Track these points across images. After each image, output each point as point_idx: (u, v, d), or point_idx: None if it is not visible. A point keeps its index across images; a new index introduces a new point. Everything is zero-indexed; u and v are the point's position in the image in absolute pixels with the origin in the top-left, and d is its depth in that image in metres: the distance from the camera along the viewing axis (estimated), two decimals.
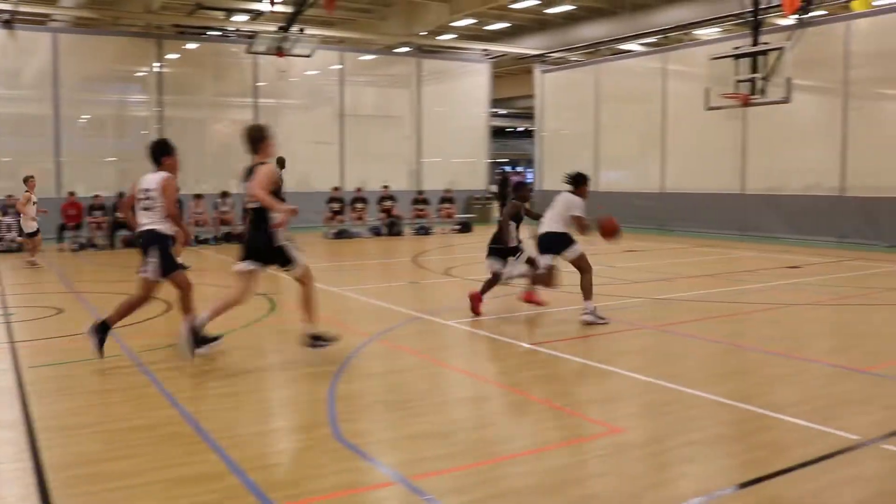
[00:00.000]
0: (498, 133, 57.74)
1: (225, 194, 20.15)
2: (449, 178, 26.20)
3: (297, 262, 7.18)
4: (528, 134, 54.52)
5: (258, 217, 7.07)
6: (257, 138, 7.22)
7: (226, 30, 23.29)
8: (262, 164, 7.12)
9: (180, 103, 22.89)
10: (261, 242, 7.10)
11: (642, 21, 27.51)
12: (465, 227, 23.28)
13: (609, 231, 9.21)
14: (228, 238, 19.73)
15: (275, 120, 24.43)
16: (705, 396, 6.03)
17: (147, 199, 7.29)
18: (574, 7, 29.24)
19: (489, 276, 9.64)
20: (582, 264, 9.21)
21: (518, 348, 7.86)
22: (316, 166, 24.64)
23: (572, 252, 9.22)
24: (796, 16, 17.86)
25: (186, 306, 7.42)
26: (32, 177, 15.17)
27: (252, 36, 21.05)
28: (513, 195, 9.81)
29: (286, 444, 5.14)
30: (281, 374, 7.04)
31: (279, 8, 19.68)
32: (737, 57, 17.52)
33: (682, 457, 4.84)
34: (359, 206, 21.89)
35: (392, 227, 22.11)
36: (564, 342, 8.05)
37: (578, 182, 9.25)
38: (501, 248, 9.63)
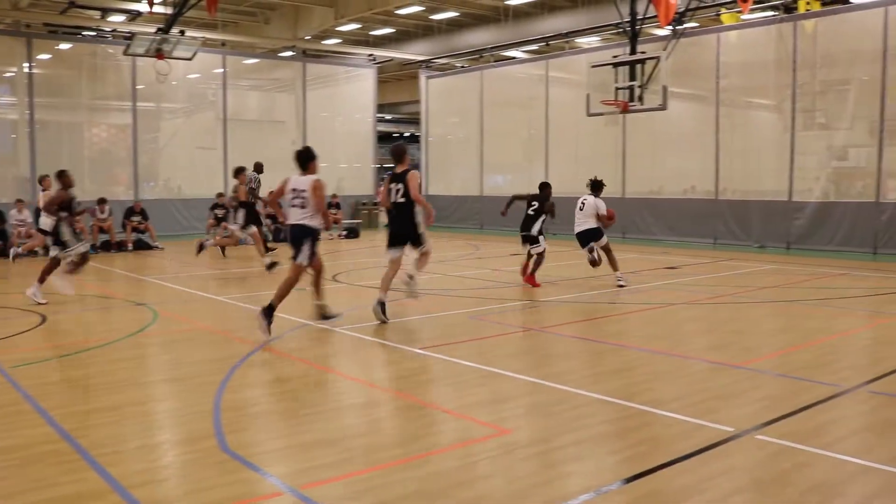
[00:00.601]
0: (384, 138, 57.68)
1: (102, 201, 19.34)
2: (335, 184, 26.04)
3: (426, 245, 9.61)
4: (414, 139, 54.72)
5: (406, 210, 9.40)
6: (402, 152, 9.68)
7: (102, 30, 22.45)
8: (409, 170, 9.46)
9: (54, 106, 21.92)
10: (407, 229, 9.45)
11: (525, 28, 28.05)
12: (353, 233, 23.17)
13: (612, 218, 12.69)
14: (107, 247, 18.96)
15: (155, 124, 23.78)
16: (590, 395, 6.18)
17: (298, 198, 8.78)
18: (458, 14, 29.54)
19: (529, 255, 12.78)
20: (608, 247, 12.52)
21: (406, 353, 7.87)
22: (199, 172, 24.05)
23: (603, 240, 12.52)
24: (671, 26, 18.57)
25: (318, 286, 9.32)
26: (48, 176, 15.35)
27: (130, 37, 20.37)
28: (543, 193, 12.79)
29: (171, 458, 4.98)
30: (164, 385, 6.83)
31: (158, 9, 19.10)
32: (616, 65, 18.06)
33: (568, 455, 4.94)
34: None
35: (278, 234, 21.80)
36: (451, 345, 8.10)
37: (598, 187, 12.45)
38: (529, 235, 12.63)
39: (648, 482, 4.45)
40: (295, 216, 8.87)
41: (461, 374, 7.03)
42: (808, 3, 18.49)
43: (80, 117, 22.18)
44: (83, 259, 11.34)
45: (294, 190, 8.87)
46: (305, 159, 8.96)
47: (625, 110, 17.88)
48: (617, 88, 17.94)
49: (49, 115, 21.78)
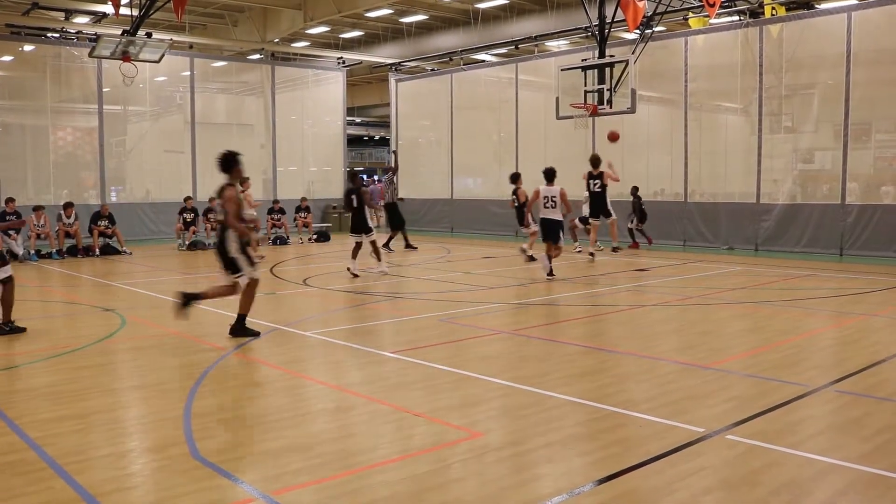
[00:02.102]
0: (354, 141, 57.61)
1: (69, 205, 19.06)
2: (306, 187, 25.94)
3: (613, 215, 16.63)
4: (384, 142, 54.66)
5: (601, 196, 16.23)
6: (598, 159, 16.29)
7: (66, 32, 22.17)
8: (602, 171, 16.21)
9: (17, 109, 21.64)
10: (603, 207, 16.12)
11: (494, 32, 28.12)
12: (323, 237, 23.09)
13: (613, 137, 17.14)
14: (73, 252, 18.68)
15: (122, 128, 23.53)
16: (561, 397, 6.20)
17: (550, 201, 13.43)
18: (428, 17, 29.56)
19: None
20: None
21: (377, 357, 7.85)
22: (167, 176, 23.85)
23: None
24: (639, 30, 18.72)
25: (552, 253, 13.49)
26: (248, 178, 16.94)
27: (95, 39, 20.11)
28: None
29: (140, 466, 4.92)
30: (133, 392, 6.75)
31: (124, 11, 18.88)
32: (585, 69, 18.16)
33: (541, 457, 4.95)
34: (213, 216, 21.28)
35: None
36: (423, 349, 8.10)
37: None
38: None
39: (620, 483, 4.47)
40: (547, 213, 13.46)
41: (433, 377, 7.02)
42: (773, 8, 18.71)
43: (44, 120, 21.88)
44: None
45: (546, 197, 13.49)
46: (551, 175, 13.72)
47: (594, 113, 17.98)
48: (586, 92, 18.04)
49: (12, 118, 21.49)
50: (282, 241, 21.86)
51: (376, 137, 59.63)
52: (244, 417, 5.89)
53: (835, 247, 16.98)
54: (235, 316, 8.86)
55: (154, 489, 4.51)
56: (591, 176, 16.00)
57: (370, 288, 13.08)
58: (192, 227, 20.67)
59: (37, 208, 18.57)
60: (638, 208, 19.13)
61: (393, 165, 21.60)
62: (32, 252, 17.96)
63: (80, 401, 6.28)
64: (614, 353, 8.03)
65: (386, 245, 18.45)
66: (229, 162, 8.67)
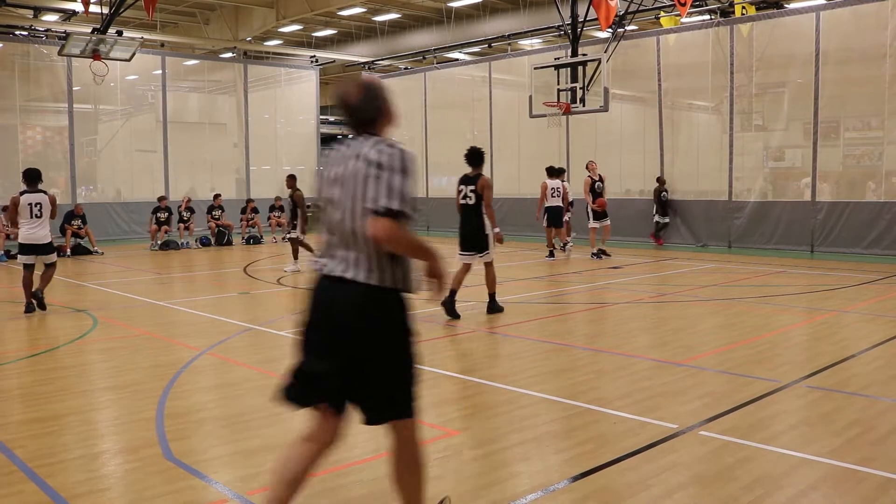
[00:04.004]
0: (328, 140, 57.30)
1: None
2: (279, 186, 25.78)
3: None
4: None
5: (562, 207, 16.87)
6: (555, 170, 17.02)
7: (35, 29, 21.88)
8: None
9: None
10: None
11: (467, 30, 28.13)
12: None
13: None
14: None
15: (93, 127, 23.29)
16: (536, 395, 6.22)
17: (557, 192, 16.17)
18: (400, 15, 29.51)
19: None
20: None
21: None
22: (139, 175, 23.64)
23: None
24: (612, 29, 18.81)
25: (561, 237, 16.74)
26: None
27: (65, 37, 19.86)
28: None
29: (113, 468, 4.87)
30: (106, 393, 6.69)
31: (94, 9, 18.66)
32: (558, 67, 18.22)
33: (516, 455, 4.96)
34: (186, 215, 21.14)
35: (221, 237, 21.52)
36: None
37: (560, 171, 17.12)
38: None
39: (595, 480, 4.50)
40: (553, 202, 16.31)
41: None
42: (743, 8, 18.87)
43: (12, 119, 21.61)
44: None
45: (553, 188, 16.28)
46: (554, 171, 16.65)
47: (567, 112, 18.04)
48: (559, 90, 18.11)
49: None
50: (255, 240, 21.75)
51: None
52: (218, 418, 5.85)
53: (805, 243, 17.16)
54: (448, 294, 9.52)
55: (127, 491, 4.47)
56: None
57: None
58: (165, 227, 20.50)
59: (5, 208, 18.26)
60: (661, 201, 19.46)
61: None
62: (1, 252, 17.71)
63: (52, 402, 6.21)
64: (588, 351, 8.06)
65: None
66: (481, 157, 10.47)
